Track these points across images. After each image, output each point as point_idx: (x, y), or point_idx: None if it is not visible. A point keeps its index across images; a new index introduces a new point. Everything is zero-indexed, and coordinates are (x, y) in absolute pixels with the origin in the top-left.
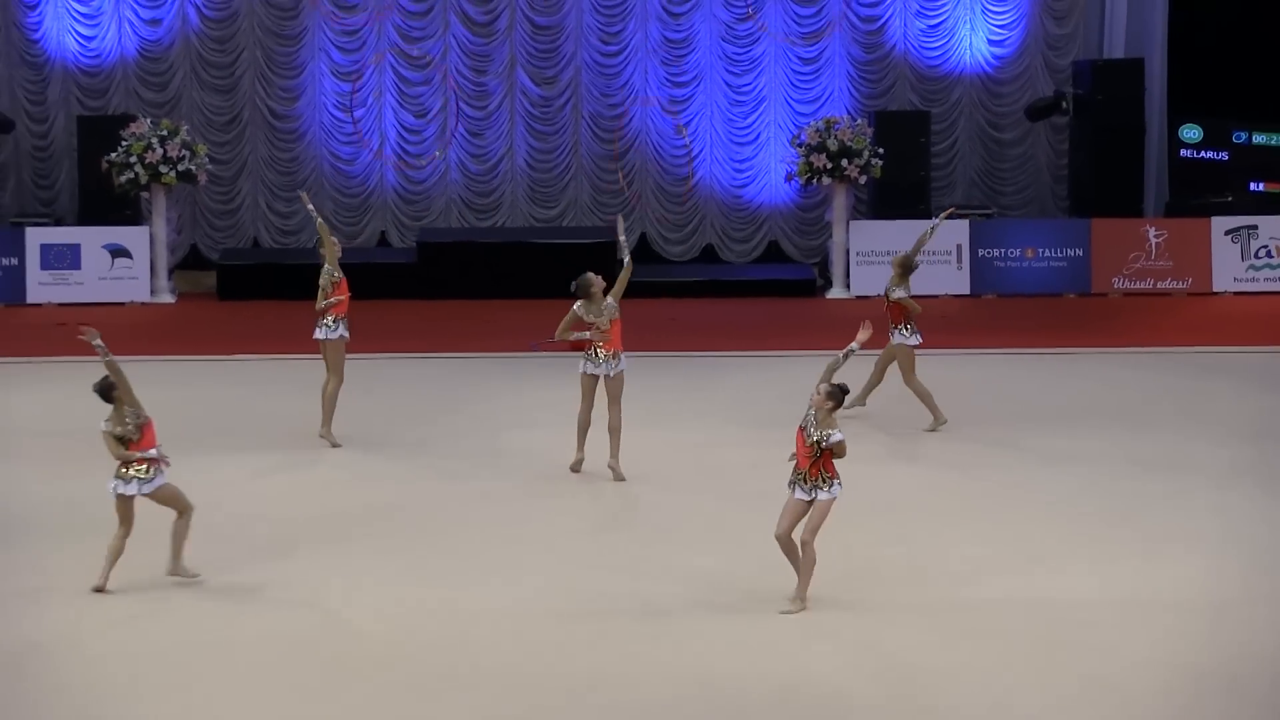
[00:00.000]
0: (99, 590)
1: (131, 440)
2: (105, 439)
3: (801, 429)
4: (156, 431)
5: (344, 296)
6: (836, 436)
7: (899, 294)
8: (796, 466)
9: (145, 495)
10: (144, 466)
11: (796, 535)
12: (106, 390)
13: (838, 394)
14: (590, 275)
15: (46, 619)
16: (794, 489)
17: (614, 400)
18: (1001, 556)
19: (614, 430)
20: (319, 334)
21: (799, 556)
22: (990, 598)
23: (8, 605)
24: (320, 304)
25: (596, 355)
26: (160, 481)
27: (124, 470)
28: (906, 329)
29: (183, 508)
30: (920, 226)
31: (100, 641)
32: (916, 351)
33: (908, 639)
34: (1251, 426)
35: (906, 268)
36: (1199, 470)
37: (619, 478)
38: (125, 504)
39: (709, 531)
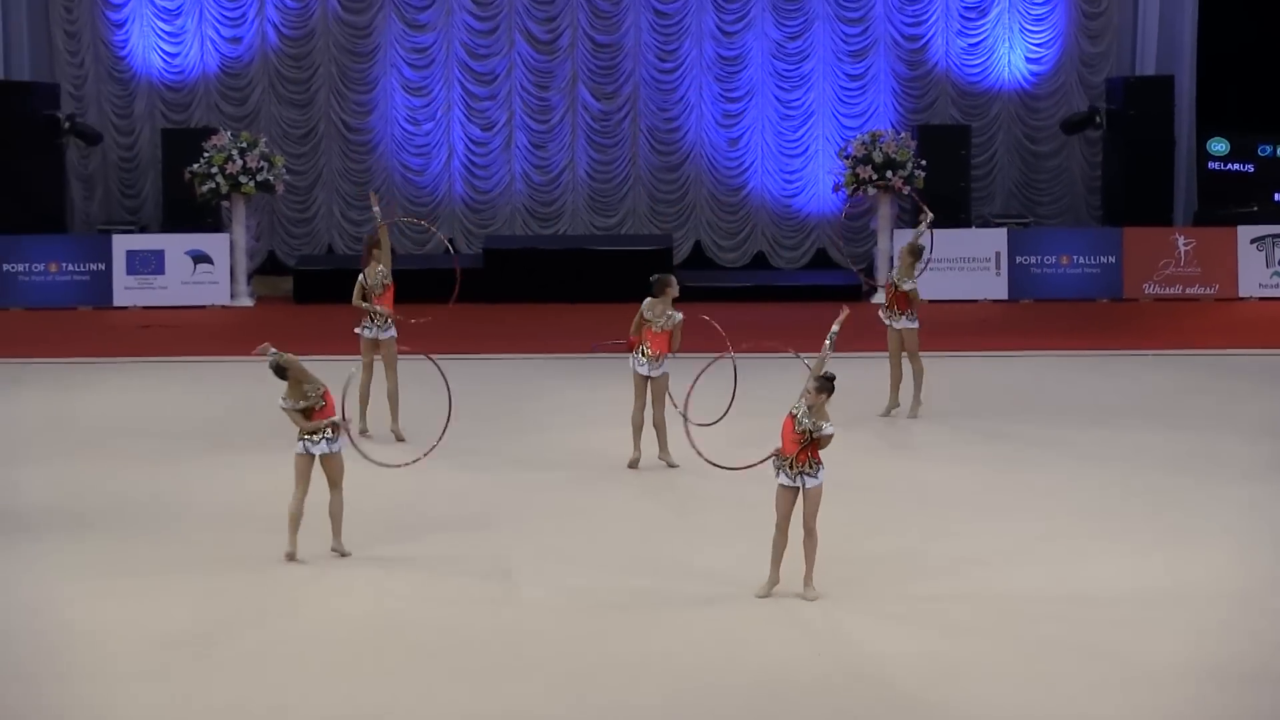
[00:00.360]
0: (290, 558)
1: (316, 409)
2: (288, 414)
3: (792, 416)
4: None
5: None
6: (828, 430)
7: (909, 285)
8: (782, 452)
9: (325, 455)
10: (329, 431)
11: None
12: (280, 370)
13: (826, 385)
14: (671, 277)
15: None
16: (779, 474)
17: (657, 399)
18: (1034, 549)
19: (658, 425)
20: (373, 334)
21: (785, 546)
22: (1023, 589)
23: (130, 586)
24: (357, 301)
25: (641, 356)
26: (341, 445)
27: (311, 436)
28: (910, 315)
29: (338, 482)
30: (959, 234)
31: (168, 623)
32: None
33: (942, 630)
34: (1277, 424)
35: (916, 255)
36: (1228, 466)
37: (671, 464)
38: (307, 464)
39: (756, 527)
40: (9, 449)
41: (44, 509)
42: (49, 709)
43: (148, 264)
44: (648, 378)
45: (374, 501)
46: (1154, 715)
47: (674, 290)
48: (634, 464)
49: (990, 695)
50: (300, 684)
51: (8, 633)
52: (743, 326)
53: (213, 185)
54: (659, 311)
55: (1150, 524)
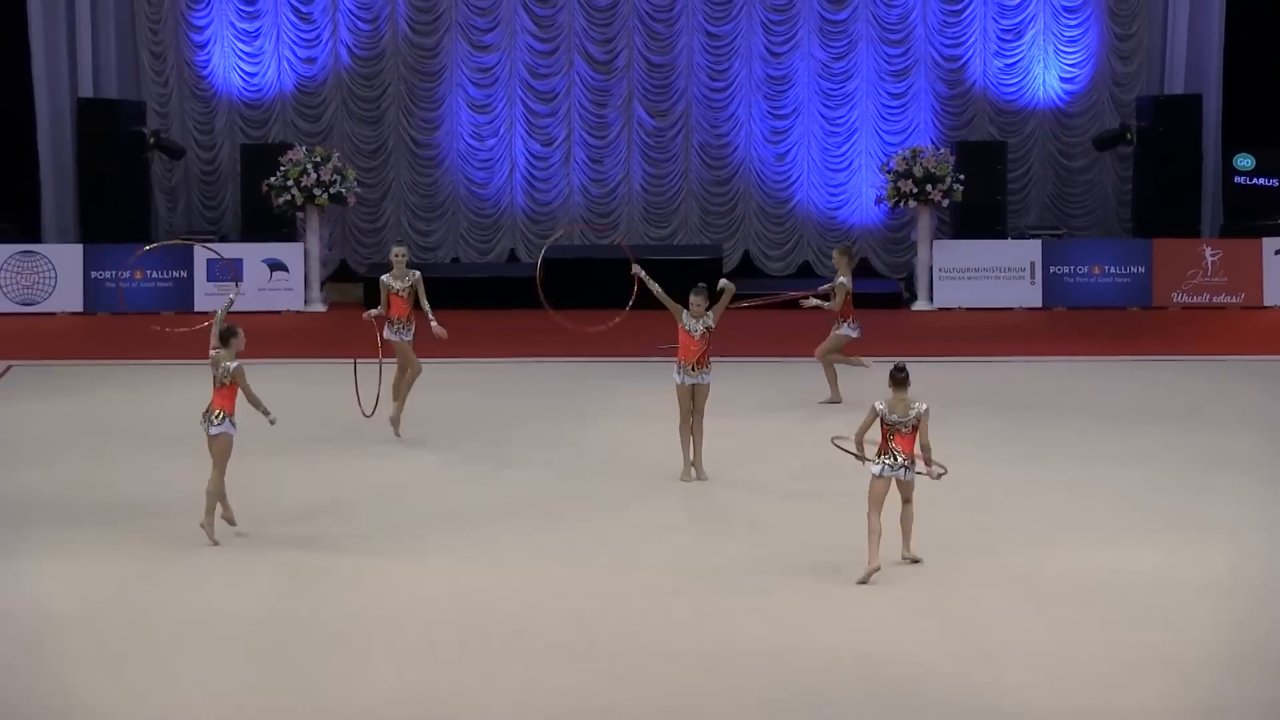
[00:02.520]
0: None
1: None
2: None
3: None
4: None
5: None
6: (918, 410)
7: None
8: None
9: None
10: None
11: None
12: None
13: (891, 379)
14: (702, 286)
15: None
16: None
17: (697, 409)
18: (1066, 542)
19: (696, 436)
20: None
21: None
22: (1055, 580)
23: (207, 569)
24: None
25: (683, 366)
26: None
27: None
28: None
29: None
30: (997, 246)
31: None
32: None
33: (973, 617)
34: None
35: (847, 254)
36: (1253, 464)
37: (702, 477)
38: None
39: (808, 520)
40: (99, 443)
41: (132, 498)
42: (133, 685)
43: (227, 271)
44: (691, 387)
45: (443, 495)
46: (1178, 702)
47: (698, 301)
48: (685, 477)
49: (1020, 681)
50: (372, 667)
51: (93, 610)
52: (791, 333)
53: (288, 197)
54: (693, 321)
55: (1178, 519)
